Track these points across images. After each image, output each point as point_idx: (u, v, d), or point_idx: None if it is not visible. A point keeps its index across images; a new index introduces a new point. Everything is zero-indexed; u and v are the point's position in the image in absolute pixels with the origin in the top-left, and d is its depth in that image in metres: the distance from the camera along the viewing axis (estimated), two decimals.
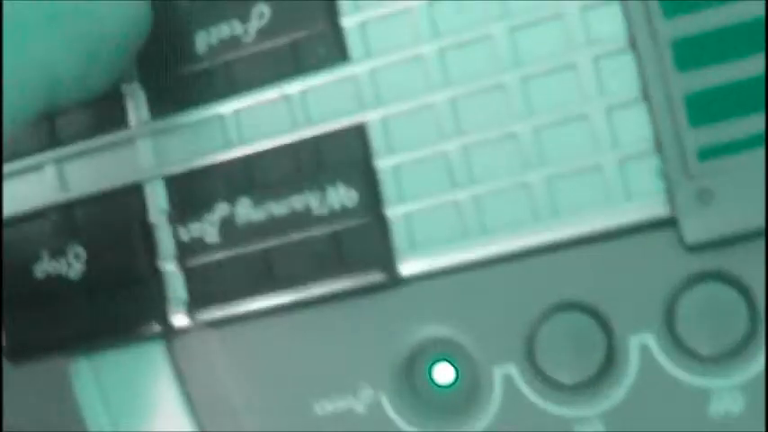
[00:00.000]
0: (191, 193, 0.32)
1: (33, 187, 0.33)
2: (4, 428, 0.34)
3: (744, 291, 0.28)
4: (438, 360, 0.31)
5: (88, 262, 0.32)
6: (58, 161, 0.33)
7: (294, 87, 0.31)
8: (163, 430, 0.32)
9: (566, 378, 0.29)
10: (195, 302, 0.31)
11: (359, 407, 0.31)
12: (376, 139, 0.30)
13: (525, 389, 0.30)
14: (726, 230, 0.28)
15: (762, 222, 0.27)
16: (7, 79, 0.26)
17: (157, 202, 0.32)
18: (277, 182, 0.31)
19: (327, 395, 0.31)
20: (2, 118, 0.26)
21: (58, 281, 0.32)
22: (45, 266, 0.33)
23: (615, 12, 0.29)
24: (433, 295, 0.30)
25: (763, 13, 0.27)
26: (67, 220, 0.33)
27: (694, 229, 0.28)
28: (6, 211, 0.33)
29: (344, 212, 0.30)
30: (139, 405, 0.32)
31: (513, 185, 0.30)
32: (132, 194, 0.32)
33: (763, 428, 0.28)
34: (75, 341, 0.33)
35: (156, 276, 0.32)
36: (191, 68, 0.32)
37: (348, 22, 0.30)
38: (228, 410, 0.32)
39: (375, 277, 0.30)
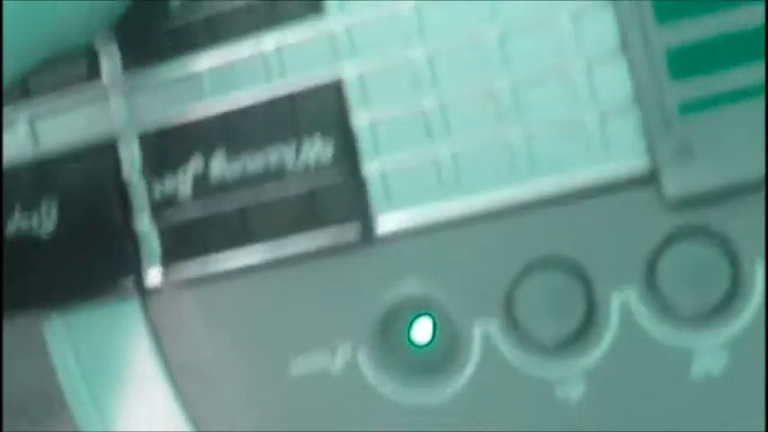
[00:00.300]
0: (164, 149, 0.31)
1: (5, 143, 0.33)
2: None
3: (726, 247, 0.28)
4: (415, 318, 0.30)
5: (60, 219, 0.32)
6: (31, 117, 0.32)
7: (269, 42, 0.30)
8: (137, 389, 0.32)
9: (545, 336, 0.29)
10: (169, 260, 0.31)
11: (335, 366, 0.30)
12: (352, 95, 0.30)
13: (504, 347, 0.29)
14: (706, 185, 0.27)
15: (742, 177, 0.27)
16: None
17: (131, 158, 0.32)
18: (252, 138, 0.30)
19: (303, 354, 0.31)
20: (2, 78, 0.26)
21: (29, 238, 0.32)
22: (16, 223, 0.32)
23: None
24: (410, 252, 0.30)
25: None
26: (40, 176, 0.32)
27: (675, 185, 0.28)
28: None
29: (320, 168, 0.30)
30: (114, 363, 0.32)
31: (492, 142, 0.29)
32: (106, 151, 0.32)
33: (747, 387, 0.28)
34: (47, 299, 0.32)
35: (130, 233, 0.31)
36: (164, 23, 0.31)
37: None
38: (203, 369, 0.32)
39: (351, 234, 0.30)
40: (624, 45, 0.28)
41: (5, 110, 0.33)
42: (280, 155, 0.30)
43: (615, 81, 0.28)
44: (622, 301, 0.29)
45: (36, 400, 0.33)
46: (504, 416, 0.30)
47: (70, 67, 0.32)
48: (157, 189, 0.31)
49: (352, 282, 0.30)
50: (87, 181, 0.32)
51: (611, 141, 0.28)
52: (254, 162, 0.30)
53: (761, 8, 0.27)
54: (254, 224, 0.30)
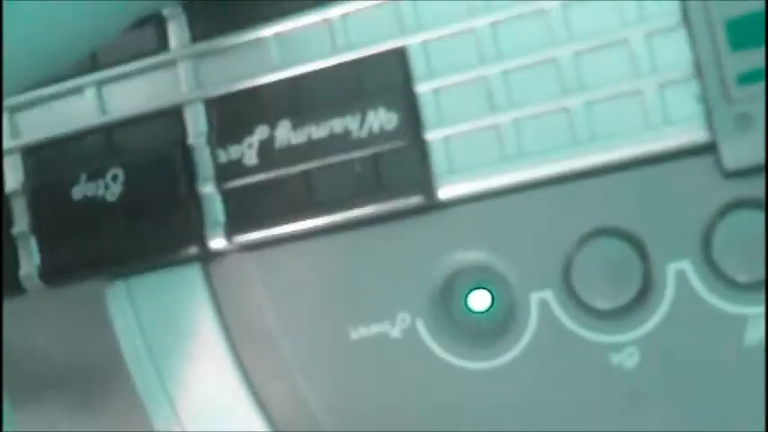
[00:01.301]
0: (230, 116, 0.32)
1: (73, 110, 0.33)
2: (38, 353, 0.34)
3: None
4: (475, 286, 0.31)
5: (126, 184, 0.32)
6: (99, 84, 0.33)
7: (335, 11, 0.31)
8: (197, 353, 0.32)
9: (602, 304, 0.29)
10: (233, 225, 0.31)
11: (394, 332, 0.31)
12: (416, 63, 0.30)
13: (561, 315, 0.30)
14: (765, 156, 0.28)
15: None
16: None
17: (197, 124, 0.32)
18: (317, 105, 0.31)
19: (363, 320, 0.31)
20: None
21: (95, 203, 0.32)
22: (83, 189, 0.33)
23: None
24: (470, 220, 0.30)
25: None
26: (106, 142, 0.33)
27: (733, 155, 0.28)
28: (46, 134, 0.33)
29: (384, 136, 0.30)
30: (174, 328, 0.33)
31: (553, 110, 0.30)
32: (172, 117, 0.32)
33: None
34: (111, 263, 0.33)
35: (195, 199, 0.32)
36: None
37: None
38: (264, 335, 0.32)
39: (413, 201, 0.30)
40: (684, 16, 0.28)
41: (73, 80, 0.33)
42: (344, 122, 0.31)
43: (675, 52, 0.29)
44: (678, 270, 0.29)
45: (97, 365, 0.33)
46: (560, 382, 0.30)
47: (139, 36, 0.32)
48: (222, 155, 0.32)
49: (414, 248, 0.31)
50: (153, 147, 0.32)
51: (670, 111, 0.29)
52: (318, 129, 0.31)
53: None
54: (318, 190, 0.31)
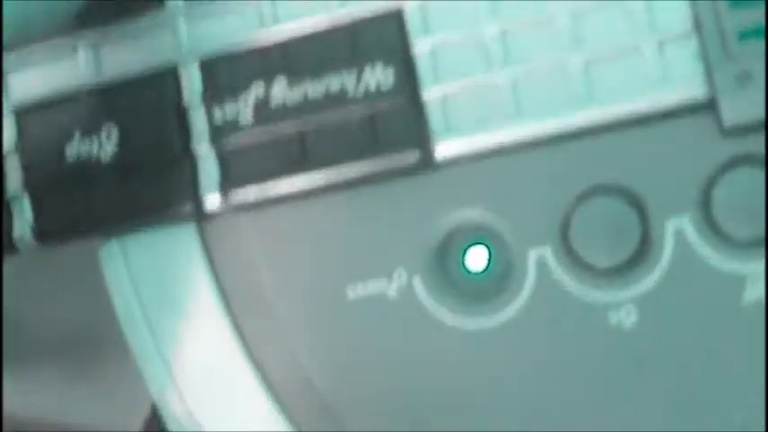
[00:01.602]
0: (225, 75, 0.31)
1: (67, 70, 0.33)
2: (31, 314, 0.34)
3: None
4: (472, 244, 0.31)
5: (120, 143, 0.32)
6: (93, 43, 0.33)
7: None
8: (192, 314, 0.32)
9: (600, 262, 0.29)
10: (228, 184, 0.31)
11: (391, 291, 0.31)
12: (413, 22, 0.30)
13: (559, 273, 0.30)
14: (764, 113, 0.28)
15: None
16: None
17: (192, 83, 0.32)
18: (313, 64, 0.31)
19: (360, 279, 0.31)
20: None
21: (89, 162, 0.32)
22: (76, 148, 0.32)
23: None
24: (467, 178, 0.30)
25: None
26: (100, 101, 0.32)
27: (732, 112, 0.28)
28: (39, 93, 0.33)
29: (380, 94, 0.30)
30: (169, 289, 0.32)
31: (550, 68, 0.29)
32: (166, 76, 0.32)
33: None
34: (105, 223, 0.32)
35: (189, 158, 0.32)
36: None
37: None
38: (259, 295, 0.32)
39: (410, 159, 0.30)
40: None
41: (64, 39, 0.33)
42: (340, 81, 0.30)
43: (674, 8, 0.29)
44: (677, 228, 0.29)
45: (90, 327, 0.33)
46: (558, 341, 0.30)
47: None
48: (217, 114, 0.31)
49: (410, 207, 0.31)
50: (147, 106, 0.32)
51: (669, 69, 0.29)
52: (314, 88, 0.31)
53: None
54: (314, 149, 0.31)
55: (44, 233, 0.33)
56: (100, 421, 0.34)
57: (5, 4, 0.26)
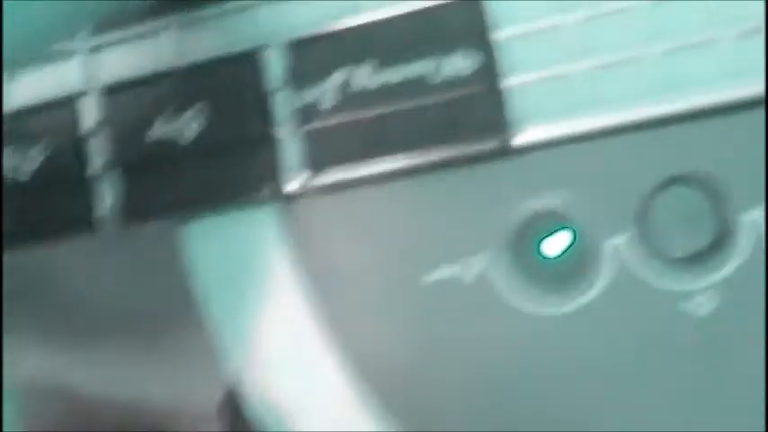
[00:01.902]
0: (308, 58, 0.32)
1: (150, 53, 0.33)
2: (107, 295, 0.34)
3: None
4: (548, 232, 0.31)
5: (204, 125, 0.33)
6: (177, 26, 0.33)
7: None
8: (271, 296, 0.32)
9: (677, 251, 0.30)
10: (309, 167, 0.32)
11: (467, 275, 0.31)
12: (494, 8, 0.30)
13: (635, 261, 0.30)
14: None
15: None
16: None
17: (275, 67, 0.32)
18: (395, 50, 0.31)
19: (436, 262, 0.31)
20: None
21: (172, 143, 0.33)
22: (160, 130, 0.33)
23: None
24: (546, 166, 0.31)
25: None
26: (183, 84, 0.33)
27: None
28: (122, 76, 0.34)
29: (461, 81, 0.30)
30: (250, 269, 0.33)
31: (630, 58, 0.30)
32: (250, 59, 0.33)
33: None
34: (187, 204, 0.33)
35: (271, 141, 0.32)
36: None
37: None
38: (338, 277, 0.32)
39: (489, 146, 0.30)
40: None
41: (150, 21, 0.33)
42: (421, 66, 0.31)
43: (752, 2, 0.29)
44: (754, 219, 0.29)
45: (168, 308, 0.34)
46: (633, 328, 0.30)
47: None
48: (300, 97, 0.32)
49: (488, 193, 0.31)
50: (231, 89, 0.32)
51: (748, 60, 0.29)
52: (395, 74, 0.31)
53: None
54: (395, 133, 0.31)
55: (125, 215, 0.33)
56: (172, 401, 0.34)
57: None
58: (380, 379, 0.32)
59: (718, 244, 0.29)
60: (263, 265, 0.33)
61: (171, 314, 0.34)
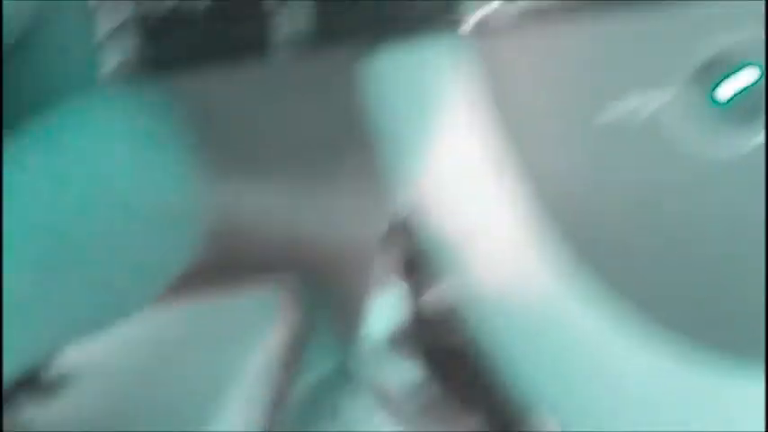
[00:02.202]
0: None
1: None
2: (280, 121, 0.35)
3: None
4: (728, 72, 0.31)
5: None
6: None
7: None
8: (445, 126, 0.33)
9: None
10: None
11: (640, 114, 0.31)
12: None
13: None
14: None
15: None
16: None
17: None
18: None
19: (613, 100, 0.31)
20: None
21: None
22: None
23: None
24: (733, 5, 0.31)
25: None
26: None
27: None
28: None
29: None
30: (423, 101, 0.33)
31: None
32: None
33: None
34: (363, 35, 0.33)
35: None
36: None
37: None
38: (512, 110, 0.32)
39: None
40: None
41: None
42: None
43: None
44: None
45: (343, 136, 0.34)
46: None
47: None
48: None
49: (670, 31, 0.31)
50: None
51: None
52: None
53: None
54: None
55: (307, 39, 0.33)
56: (333, 232, 0.35)
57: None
58: (554, 213, 0.32)
59: None
60: (437, 96, 0.33)
61: (344, 143, 0.34)
